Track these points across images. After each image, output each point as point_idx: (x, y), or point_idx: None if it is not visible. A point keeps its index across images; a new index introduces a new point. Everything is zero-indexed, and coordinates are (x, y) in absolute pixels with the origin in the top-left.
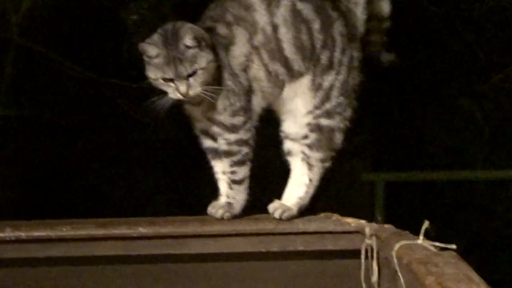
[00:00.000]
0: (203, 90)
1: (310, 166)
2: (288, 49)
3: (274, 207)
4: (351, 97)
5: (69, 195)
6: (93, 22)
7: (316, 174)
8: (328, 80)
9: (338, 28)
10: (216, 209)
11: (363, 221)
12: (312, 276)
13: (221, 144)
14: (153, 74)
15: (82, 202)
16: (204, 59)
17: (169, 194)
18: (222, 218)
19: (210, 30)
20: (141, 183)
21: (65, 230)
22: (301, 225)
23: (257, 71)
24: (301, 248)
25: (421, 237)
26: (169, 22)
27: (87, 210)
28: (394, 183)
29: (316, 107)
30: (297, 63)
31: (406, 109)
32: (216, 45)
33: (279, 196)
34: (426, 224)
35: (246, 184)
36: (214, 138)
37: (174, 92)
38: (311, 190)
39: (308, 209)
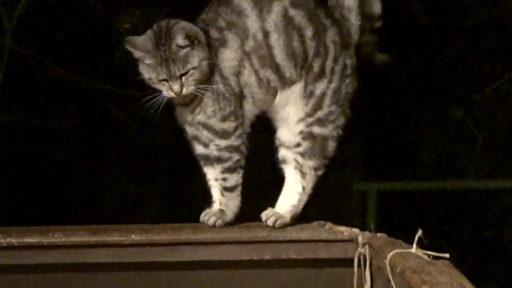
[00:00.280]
0: (196, 88)
1: (303, 174)
2: (279, 56)
3: (267, 214)
4: (344, 106)
5: (60, 200)
6: (86, 29)
7: (309, 182)
8: (320, 88)
9: (331, 35)
10: (208, 216)
11: (356, 230)
12: (305, 285)
13: (212, 150)
14: (147, 74)
15: (73, 208)
16: (196, 58)
17: (162, 201)
18: (214, 226)
19: (204, 33)
20: (133, 190)
21: (57, 237)
22: (294, 233)
23: (248, 77)
24: (294, 256)
25: (414, 246)
26: (164, 20)
27: (79, 216)
28: (386, 192)
29: (308, 115)
30: (288, 70)
31: (398, 118)
32: (210, 46)
33: (272, 204)
34: (419, 233)
35: (238, 191)
36: (205, 144)
37: (168, 91)
38: (304, 198)
39: (300, 217)
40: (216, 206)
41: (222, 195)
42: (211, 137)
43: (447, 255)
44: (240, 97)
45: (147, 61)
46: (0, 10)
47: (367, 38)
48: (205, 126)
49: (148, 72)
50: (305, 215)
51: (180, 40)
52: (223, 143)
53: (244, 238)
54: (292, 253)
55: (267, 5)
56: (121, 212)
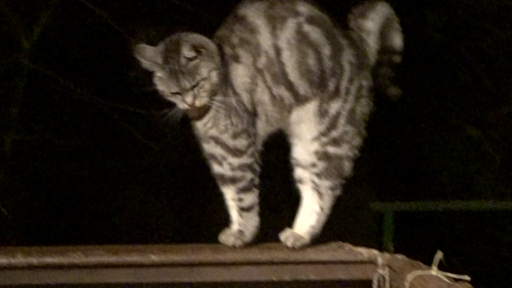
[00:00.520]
0: (210, 100)
1: (320, 194)
2: (292, 74)
3: (286, 235)
4: (360, 126)
5: (78, 218)
6: (104, 49)
7: (327, 202)
8: (334, 107)
9: (347, 56)
10: (227, 236)
11: (375, 251)
12: None
13: (226, 170)
14: (160, 87)
15: (91, 225)
16: (205, 69)
17: (179, 220)
18: (233, 246)
19: (218, 47)
20: (151, 209)
21: (77, 257)
22: (313, 254)
23: (261, 94)
24: (313, 277)
25: (434, 267)
26: (176, 33)
27: (96, 234)
28: (403, 212)
29: (323, 134)
30: (303, 88)
31: (415, 138)
32: (223, 61)
33: (289, 223)
34: (439, 254)
35: (255, 211)
36: (220, 163)
37: (182, 103)
38: (323, 219)
39: (318, 238)
40: (235, 227)
41: (240, 216)
42: (224, 154)
43: (467, 278)
44: (253, 115)
45: (158, 74)
46: (19, 30)
47: (384, 71)
48: (217, 141)
49: (160, 85)
50: (321, 235)
51: (186, 52)
52: (236, 161)
53: (263, 259)
54: (312, 275)
55: (281, 22)
56: (139, 231)
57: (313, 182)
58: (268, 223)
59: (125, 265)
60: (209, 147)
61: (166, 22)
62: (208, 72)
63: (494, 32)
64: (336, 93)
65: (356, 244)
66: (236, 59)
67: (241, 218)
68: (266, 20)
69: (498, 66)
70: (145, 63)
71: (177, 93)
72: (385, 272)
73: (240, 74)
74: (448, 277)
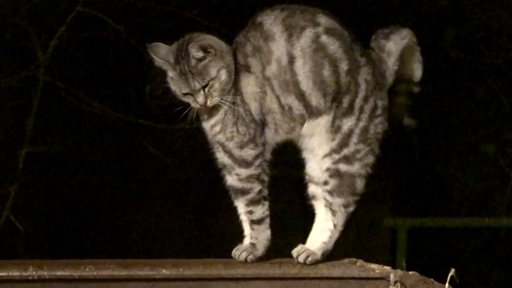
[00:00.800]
0: (222, 99)
1: (333, 211)
2: (305, 83)
3: (298, 251)
4: (373, 145)
5: (91, 233)
6: (119, 62)
7: (340, 219)
8: (347, 124)
9: (364, 74)
10: (240, 252)
11: (387, 268)
12: None
13: (234, 180)
14: (172, 87)
15: (104, 239)
16: (214, 69)
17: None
18: (246, 261)
19: (234, 54)
20: (164, 223)
21: (88, 270)
22: (325, 270)
23: (270, 102)
24: None
25: (447, 285)
26: (188, 34)
27: (109, 247)
28: (416, 228)
29: (334, 151)
30: (315, 99)
31: (429, 154)
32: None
33: (303, 238)
34: (452, 271)
35: (266, 224)
36: (231, 173)
37: (194, 102)
38: (336, 235)
39: (330, 253)
40: (247, 240)
41: (251, 229)
42: (231, 164)
43: None
44: (261, 124)
45: (170, 73)
46: (34, 43)
47: (401, 100)
48: (225, 149)
49: (173, 85)
50: (335, 251)
51: (194, 53)
52: (243, 172)
53: (276, 274)
54: None
55: (298, 31)
56: (151, 245)
57: (326, 199)
58: (281, 239)
59: (136, 279)
60: (219, 156)
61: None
62: (217, 71)
63: (511, 49)
64: (349, 110)
65: (369, 259)
66: (247, 69)
67: (253, 231)
68: (283, 28)
69: None
70: (158, 61)
71: (188, 93)
72: None
73: (251, 84)
74: None
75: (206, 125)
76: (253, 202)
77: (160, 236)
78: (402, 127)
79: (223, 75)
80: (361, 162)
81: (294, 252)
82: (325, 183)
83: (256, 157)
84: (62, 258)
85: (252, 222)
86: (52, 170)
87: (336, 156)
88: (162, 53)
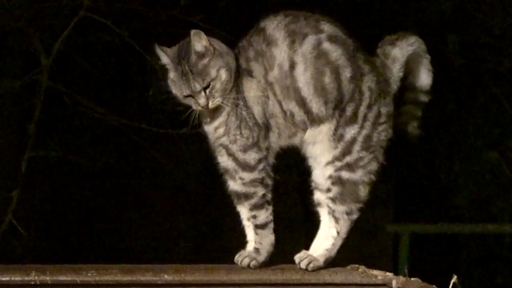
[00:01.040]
0: (223, 100)
1: (336, 219)
2: (305, 89)
3: (300, 257)
4: (377, 152)
5: (93, 238)
6: (122, 67)
7: (344, 226)
8: (350, 132)
9: (367, 82)
10: (242, 257)
11: (390, 274)
12: None
13: (238, 185)
14: (173, 90)
15: (106, 245)
16: (213, 69)
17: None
18: (249, 267)
19: (236, 56)
20: (167, 229)
21: (91, 275)
22: (328, 276)
23: (272, 107)
24: None
25: None
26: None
27: (110, 251)
28: (419, 235)
29: (337, 159)
30: (316, 106)
31: (432, 160)
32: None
33: (306, 246)
34: (454, 278)
35: (270, 229)
36: (235, 178)
37: (195, 105)
38: (339, 242)
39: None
40: (250, 245)
41: (255, 233)
42: (235, 167)
43: None
44: (265, 128)
45: (171, 74)
46: (38, 48)
47: (408, 109)
48: (228, 152)
49: (173, 88)
50: (337, 257)
51: (197, 44)
52: (246, 176)
53: (278, 280)
54: None
55: (301, 37)
56: (154, 250)
57: (329, 207)
58: (284, 244)
59: (139, 285)
60: (222, 160)
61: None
62: (216, 71)
63: None
64: (353, 118)
65: (371, 266)
66: (250, 73)
67: (256, 236)
68: (286, 33)
69: None
70: (164, 60)
71: (190, 95)
72: None
73: (253, 88)
74: None
75: (209, 128)
76: (256, 207)
77: (163, 241)
78: (406, 135)
79: (223, 74)
80: (364, 169)
81: (297, 258)
82: (328, 190)
83: (260, 161)
84: (64, 263)
85: (256, 227)
86: (55, 174)
87: (338, 164)
88: (169, 53)
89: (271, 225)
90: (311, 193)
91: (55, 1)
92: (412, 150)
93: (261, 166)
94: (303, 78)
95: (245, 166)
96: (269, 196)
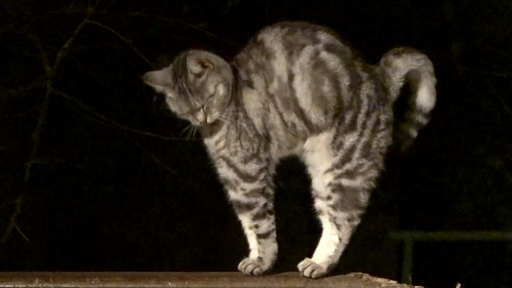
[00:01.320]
0: (221, 114)
1: (338, 226)
2: (304, 100)
3: (303, 265)
4: (377, 159)
5: (97, 245)
6: (125, 74)
7: (345, 233)
8: (349, 140)
9: (366, 89)
10: (246, 265)
11: (393, 282)
12: None
13: (240, 195)
14: (172, 108)
15: (109, 252)
16: (211, 85)
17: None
18: (252, 274)
19: (235, 71)
20: (170, 236)
21: (94, 283)
22: (331, 284)
23: (273, 119)
24: None
25: None
26: (182, 53)
27: (114, 260)
28: (422, 242)
29: (336, 166)
30: (315, 116)
31: (436, 167)
32: (237, 84)
33: (309, 253)
34: (458, 286)
35: (273, 238)
36: (235, 188)
37: (194, 120)
38: (341, 249)
39: (336, 267)
40: (254, 254)
41: (258, 243)
42: (236, 179)
43: None
44: (266, 139)
45: (169, 94)
46: (41, 55)
47: (405, 127)
48: (229, 164)
49: (172, 106)
50: (341, 265)
51: (193, 67)
52: (248, 186)
53: (281, 287)
54: None
55: (298, 48)
56: (157, 257)
57: (330, 214)
58: (287, 252)
59: None
60: (222, 171)
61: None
62: (214, 87)
63: None
64: (352, 126)
65: (375, 273)
66: (250, 84)
67: (260, 245)
68: (284, 46)
69: None
70: (159, 88)
71: (188, 112)
72: None
73: (253, 100)
74: None
75: (209, 141)
76: (258, 217)
77: (166, 248)
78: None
79: (221, 89)
80: (364, 176)
81: (300, 265)
82: (328, 197)
83: (260, 171)
84: (68, 270)
85: (259, 236)
86: (58, 182)
87: (337, 171)
88: (159, 79)
89: (274, 234)
90: (312, 201)
91: (59, 9)
92: (415, 158)
93: (262, 176)
94: (301, 89)
95: (246, 177)
96: (270, 205)
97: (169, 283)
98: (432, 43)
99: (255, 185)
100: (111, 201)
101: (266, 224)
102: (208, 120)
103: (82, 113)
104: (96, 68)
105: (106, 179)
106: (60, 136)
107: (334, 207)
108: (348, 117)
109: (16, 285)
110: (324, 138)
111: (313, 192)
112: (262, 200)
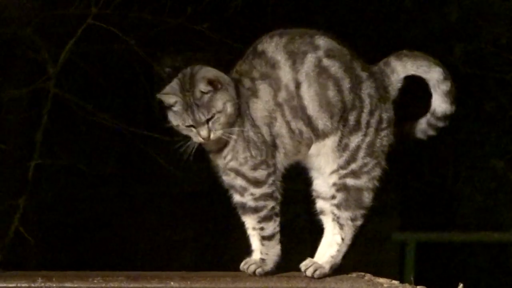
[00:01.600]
0: (224, 132)
1: (341, 225)
2: (311, 107)
3: (306, 265)
4: (379, 158)
5: (100, 244)
6: (128, 75)
7: (348, 233)
8: (355, 141)
9: (367, 89)
10: (248, 265)
11: (396, 282)
12: None
13: (248, 200)
14: (175, 121)
15: (112, 251)
16: (220, 102)
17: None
18: (254, 274)
19: (236, 81)
20: (173, 236)
21: (97, 282)
22: (334, 284)
23: (279, 128)
24: None
25: None
26: (188, 67)
27: (117, 260)
28: (425, 243)
29: (341, 167)
30: (321, 122)
31: (438, 169)
32: (240, 95)
33: (311, 253)
34: (460, 287)
35: (277, 240)
36: (241, 193)
37: (196, 136)
38: (344, 249)
39: (339, 267)
40: (256, 255)
41: (262, 244)
42: (245, 186)
43: None
44: (272, 146)
45: (175, 108)
46: (44, 56)
47: (424, 123)
48: (238, 173)
49: (175, 119)
50: (343, 265)
51: (202, 86)
52: (257, 191)
53: (283, 287)
54: None
55: (301, 56)
56: (160, 257)
57: (333, 213)
58: (289, 252)
59: None
60: (229, 179)
61: (190, 49)
62: (223, 104)
63: None
64: (357, 127)
65: (377, 274)
66: (256, 92)
67: (263, 247)
68: (286, 55)
69: None
70: (172, 99)
71: (191, 125)
72: None
73: (260, 108)
74: None
75: (217, 157)
76: (265, 219)
77: (169, 248)
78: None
79: (229, 108)
80: (369, 175)
81: (302, 265)
82: (333, 197)
83: (269, 175)
84: (71, 270)
85: (263, 238)
86: (61, 182)
87: (343, 172)
88: (170, 91)
89: (278, 236)
90: (313, 202)
91: (62, 10)
92: (418, 159)
93: (270, 181)
94: (308, 96)
95: (256, 183)
96: (277, 208)
97: (172, 283)
98: (435, 45)
99: (264, 189)
100: (113, 201)
101: (272, 227)
102: (212, 136)
103: (85, 113)
104: (99, 69)
105: (109, 179)
106: (63, 137)
107: (338, 206)
108: (352, 118)
109: (19, 285)
110: (330, 142)
111: (314, 193)
112: (270, 204)
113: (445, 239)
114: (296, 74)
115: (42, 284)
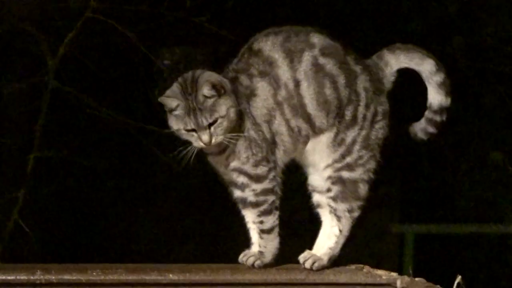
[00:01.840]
0: (225, 137)
1: (338, 217)
2: (311, 105)
3: (304, 257)
4: (375, 150)
5: (99, 237)
6: (128, 68)
7: (346, 224)
8: (351, 135)
9: (362, 82)
10: (247, 257)
11: (394, 274)
12: None
13: (249, 196)
14: (175, 125)
15: (111, 244)
16: (223, 107)
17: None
18: (253, 266)
19: (233, 80)
20: (172, 228)
21: (96, 275)
22: (332, 276)
23: (278, 126)
24: None
25: None
26: (189, 72)
27: (115, 252)
28: (424, 235)
29: (336, 161)
30: (319, 119)
31: (437, 161)
32: (239, 94)
33: (310, 246)
34: (458, 278)
35: (275, 233)
36: (242, 189)
37: (197, 141)
38: (342, 241)
39: (337, 259)
40: (255, 248)
41: (260, 238)
42: (247, 182)
43: None
44: (272, 143)
45: (176, 112)
46: (43, 49)
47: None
48: (240, 171)
49: (176, 123)
50: (341, 257)
51: (206, 91)
52: (259, 187)
53: (282, 280)
54: None
55: (298, 55)
56: (159, 250)
57: (330, 206)
58: (288, 245)
59: (144, 284)
60: (229, 177)
61: (190, 43)
62: (226, 109)
63: None
64: (353, 121)
65: (376, 266)
66: (254, 91)
67: (262, 240)
68: (283, 53)
69: None
70: (173, 103)
71: (193, 130)
72: None
73: (259, 106)
74: None
75: (217, 159)
76: (265, 213)
77: (168, 241)
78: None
79: (232, 113)
80: (364, 167)
81: (301, 258)
82: (328, 190)
83: (270, 171)
84: (70, 262)
85: (262, 232)
86: (60, 175)
87: (337, 165)
88: (171, 95)
89: (277, 229)
90: (310, 195)
91: (62, 3)
92: (417, 151)
93: (271, 176)
94: (308, 94)
95: (257, 179)
96: (277, 202)
97: (171, 275)
98: (434, 37)
99: (265, 184)
100: (113, 194)
101: (271, 220)
102: (213, 141)
103: (85, 106)
104: (98, 62)
105: (108, 172)
106: (62, 130)
107: (334, 199)
108: (348, 113)
109: (18, 277)
110: (325, 138)
111: (310, 188)
112: (271, 198)
113: (444, 231)
114: (294, 73)
115: (41, 277)
